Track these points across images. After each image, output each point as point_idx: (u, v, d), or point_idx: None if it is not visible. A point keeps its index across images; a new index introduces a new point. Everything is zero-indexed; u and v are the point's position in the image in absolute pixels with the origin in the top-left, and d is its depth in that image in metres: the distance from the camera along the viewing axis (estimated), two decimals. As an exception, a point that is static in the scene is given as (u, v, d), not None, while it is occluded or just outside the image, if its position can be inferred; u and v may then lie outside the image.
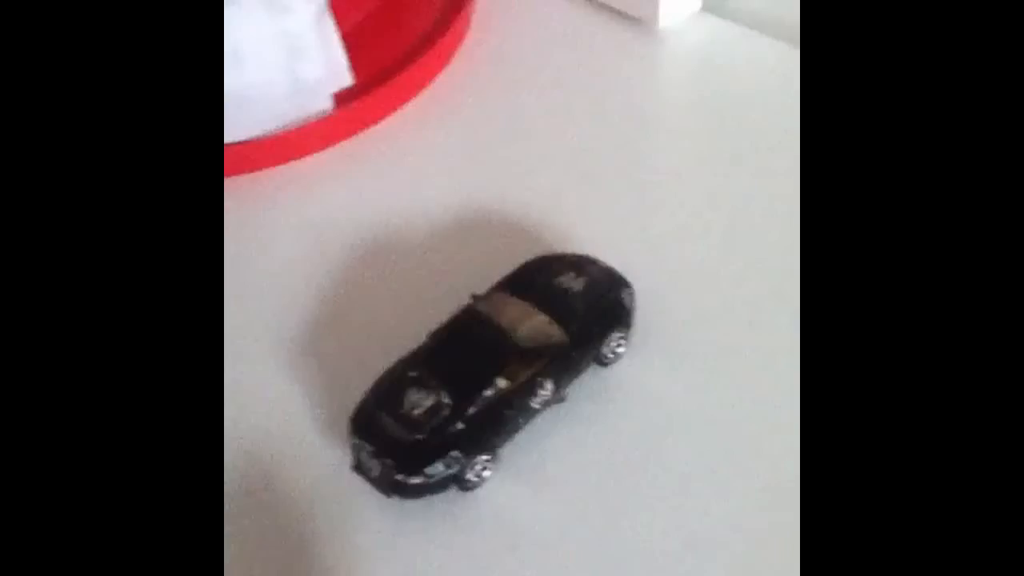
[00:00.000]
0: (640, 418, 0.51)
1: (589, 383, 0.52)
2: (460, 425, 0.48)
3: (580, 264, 0.55)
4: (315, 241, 0.62)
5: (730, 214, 0.60)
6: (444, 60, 0.72)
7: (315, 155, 0.67)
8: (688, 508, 0.48)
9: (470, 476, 0.49)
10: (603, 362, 0.53)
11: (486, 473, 0.49)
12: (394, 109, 0.69)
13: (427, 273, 0.60)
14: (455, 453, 0.48)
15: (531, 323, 0.51)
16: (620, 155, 0.65)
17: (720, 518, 0.48)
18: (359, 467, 0.50)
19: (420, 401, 0.49)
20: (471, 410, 0.48)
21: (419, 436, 0.48)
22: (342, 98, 0.68)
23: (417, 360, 0.50)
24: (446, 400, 0.48)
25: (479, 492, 0.49)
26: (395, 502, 0.49)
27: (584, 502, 0.49)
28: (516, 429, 0.50)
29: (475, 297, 0.53)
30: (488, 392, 0.49)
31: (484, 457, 0.49)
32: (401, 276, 0.60)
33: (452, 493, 0.49)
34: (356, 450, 0.49)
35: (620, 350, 0.53)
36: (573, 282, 0.53)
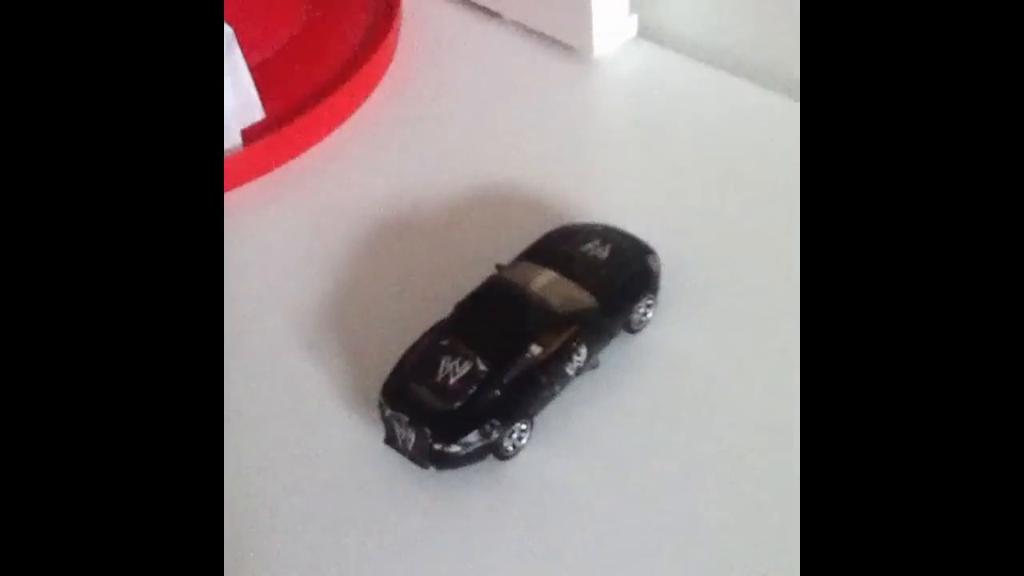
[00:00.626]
0: (673, 383, 0.51)
1: (620, 349, 0.52)
2: (497, 392, 0.47)
3: (603, 232, 0.54)
4: (312, 234, 0.61)
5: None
6: (370, 86, 0.69)
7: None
8: (727, 471, 0.48)
9: (507, 444, 0.48)
10: (632, 328, 0.52)
11: (523, 441, 0.49)
12: (313, 144, 0.66)
13: (429, 261, 0.59)
14: (493, 421, 0.47)
15: (560, 290, 0.51)
16: (559, 177, 0.63)
17: (759, 481, 0.47)
18: (392, 439, 0.49)
19: (455, 369, 0.48)
20: (508, 377, 0.48)
21: (457, 404, 0.47)
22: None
23: (447, 330, 0.49)
24: (482, 367, 0.48)
25: (516, 460, 0.49)
26: (429, 474, 0.48)
27: (622, 468, 0.48)
28: (552, 396, 0.49)
29: (500, 267, 0.53)
30: (524, 358, 0.48)
31: (521, 425, 0.48)
32: (404, 262, 0.59)
33: (488, 462, 0.48)
34: (389, 422, 0.48)
35: (648, 316, 0.53)
36: (598, 249, 0.53)
